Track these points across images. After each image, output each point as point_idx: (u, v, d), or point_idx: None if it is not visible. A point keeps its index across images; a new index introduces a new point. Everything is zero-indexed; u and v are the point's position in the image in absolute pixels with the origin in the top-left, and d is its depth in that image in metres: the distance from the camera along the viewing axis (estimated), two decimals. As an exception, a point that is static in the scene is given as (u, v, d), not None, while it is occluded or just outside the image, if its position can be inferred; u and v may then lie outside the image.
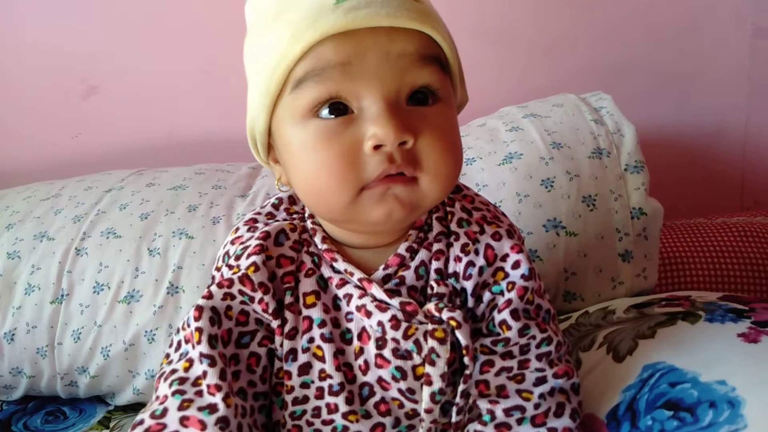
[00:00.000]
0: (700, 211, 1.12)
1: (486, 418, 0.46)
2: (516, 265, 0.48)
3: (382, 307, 0.46)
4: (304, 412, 0.47)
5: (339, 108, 0.42)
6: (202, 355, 0.42)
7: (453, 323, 0.44)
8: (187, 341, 0.44)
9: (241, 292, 0.46)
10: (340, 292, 0.47)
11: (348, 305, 0.47)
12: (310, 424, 0.47)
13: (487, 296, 0.48)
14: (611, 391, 0.53)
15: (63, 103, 1.16)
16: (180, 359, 0.44)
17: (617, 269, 0.75)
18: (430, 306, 0.45)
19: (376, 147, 0.41)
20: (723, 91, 1.17)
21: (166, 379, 0.43)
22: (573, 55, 1.14)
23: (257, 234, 0.48)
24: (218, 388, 0.41)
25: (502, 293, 0.48)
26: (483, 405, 0.47)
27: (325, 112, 0.42)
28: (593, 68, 1.14)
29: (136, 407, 0.81)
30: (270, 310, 0.46)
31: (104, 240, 0.83)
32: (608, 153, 0.78)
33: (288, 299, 0.47)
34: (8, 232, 0.87)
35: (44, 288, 0.80)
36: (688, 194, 1.15)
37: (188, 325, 0.44)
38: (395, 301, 0.45)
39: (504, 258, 0.48)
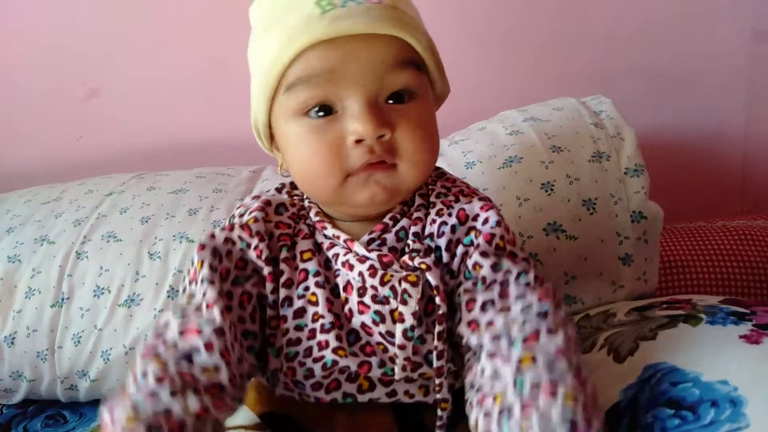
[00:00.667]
0: (700, 214, 1.12)
1: (477, 349, 0.47)
2: (485, 221, 0.51)
3: (362, 259, 0.51)
4: (297, 353, 0.51)
5: (325, 109, 0.48)
6: (203, 279, 0.49)
7: (423, 266, 0.49)
8: (191, 281, 0.50)
9: (240, 238, 0.51)
10: (330, 253, 0.53)
11: (336, 263, 0.52)
12: (302, 364, 0.50)
13: (460, 250, 0.51)
14: (612, 390, 0.53)
15: (64, 106, 1.17)
16: (184, 294, 0.50)
17: (618, 273, 0.75)
18: (405, 257, 0.50)
19: (358, 141, 0.47)
20: (723, 95, 1.18)
21: (171, 311, 0.48)
22: (573, 58, 1.15)
23: (260, 200, 0.55)
24: (216, 302, 0.47)
25: (472, 243, 0.51)
26: (473, 340, 0.47)
27: (313, 112, 0.48)
28: (593, 72, 1.15)
29: (136, 411, 0.81)
30: (263, 257, 0.51)
31: (105, 244, 0.83)
32: (608, 156, 0.78)
33: (284, 254, 0.52)
34: (9, 235, 0.87)
35: (45, 292, 0.80)
36: (689, 197, 1.15)
37: (192, 263, 0.50)
38: (373, 255, 0.50)
39: (475, 218, 0.52)
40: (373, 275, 0.50)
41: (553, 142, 0.80)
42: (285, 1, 0.49)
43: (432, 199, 0.55)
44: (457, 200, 0.54)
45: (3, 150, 1.19)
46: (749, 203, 1.22)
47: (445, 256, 0.51)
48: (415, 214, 0.54)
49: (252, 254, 0.51)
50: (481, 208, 0.52)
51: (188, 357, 0.44)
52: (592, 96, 0.90)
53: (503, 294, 0.48)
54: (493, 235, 0.50)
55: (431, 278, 0.49)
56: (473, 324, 0.47)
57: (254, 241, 0.51)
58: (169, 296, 0.78)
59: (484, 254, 0.49)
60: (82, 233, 0.85)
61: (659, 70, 1.16)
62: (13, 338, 0.79)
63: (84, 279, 0.81)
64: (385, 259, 0.50)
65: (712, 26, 1.14)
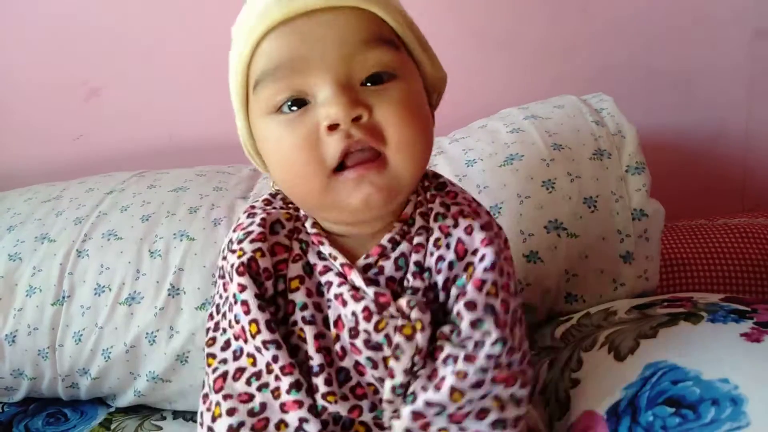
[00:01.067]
0: (701, 212, 1.12)
1: (408, 399, 0.45)
2: (482, 258, 0.47)
3: (357, 296, 0.47)
4: None
5: (298, 102, 0.44)
6: (265, 342, 0.46)
7: (419, 325, 0.45)
8: (237, 338, 0.48)
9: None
10: (323, 279, 0.49)
11: (328, 292, 0.49)
12: None
13: (453, 291, 0.47)
14: (612, 388, 0.53)
15: (64, 105, 1.17)
16: (236, 357, 0.48)
17: (618, 271, 0.75)
18: (402, 302, 0.46)
19: (332, 127, 0.43)
20: (724, 92, 1.17)
21: (236, 379, 0.47)
22: (573, 56, 1.14)
23: (257, 220, 0.50)
24: (292, 366, 0.46)
25: (463, 287, 0.47)
26: (415, 386, 0.46)
27: (286, 107, 0.44)
28: (594, 70, 1.14)
29: (137, 409, 0.81)
30: (267, 296, 0.48)
31: (105, 242, 0.83)
32: (609, 154, 0.78)
33: (281, 286, 0.49)
34: (9, 233, 0.87)
35: (45, 290, 0.81)
36: (690, 195, 1.15)
37: (237, 322, 0.47)
38: (370, 291, 0.47)
39: (474, 252, 0.47)
40: (367, 319, 0.46)
41: (554, 139, 0.80)
42: (250, 2, 0.46)
43: (430, 222, 0.50)
44: (455, 224, 0.49)
45: (3, 148, 1.19)
46: (750, 201, 1.22)
47: (442, 296, 0.48)
48: (416, 239, 0.49)
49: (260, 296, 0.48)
50: (482, 242, 0.47)
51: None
52: (593, 94, 0.90)
53: (469, 358, 0.44)
54: (483, 282, 0.46)
55: (419, 339, 0.45)
56: (433, 373, 0.45)
57: (261, 279, 0.48)
58: (169, 294, 0.78)
59: (469, 305, 0.45)
60: (83, 231, 0.85)
61: (660, 67, 1.16)
62: (14, 336, 0.79)
63: (85, 277, 0.81)
64: (381, 300, 0.46)
65: (713, 24, 1.14)
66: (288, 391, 0.45)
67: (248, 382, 0.46)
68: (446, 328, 0.46)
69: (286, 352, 0.46)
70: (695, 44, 1.15)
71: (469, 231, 0.48)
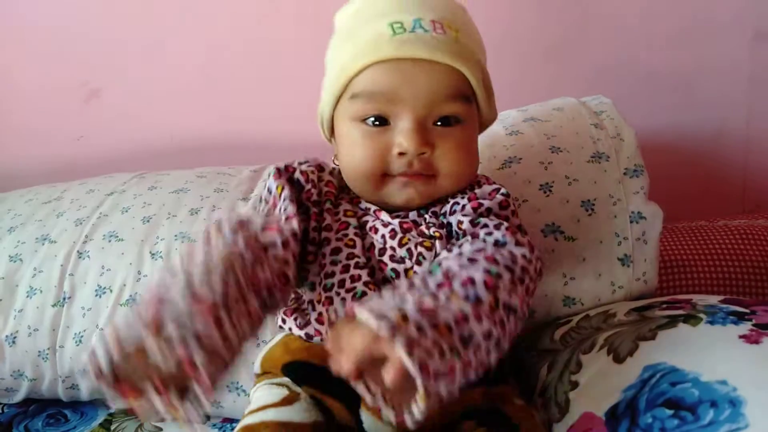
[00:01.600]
0: (701, 213, 1.12)
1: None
2: (490, 195, 0.58)
3: (386, 224, 0.58)
4: (333, 284, 0.56)
5: (381, 119, 0.55)
6: (284, 197, 0.56)
7: (437, 234, 0.56)
8: (270, 205, 0.58)
9: (298, 181, 0.59)
10: (363, 219, 0.59)
11: (366, 228, 0.59)
12: (337, 294, 0.55)
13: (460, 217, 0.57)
14: (611, 390, 0.53)
15: (65, 106, 1.17)
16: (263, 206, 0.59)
17: (617, 273, 0.75)
18: (422, 226, 0.57)
19: (401, 153, 0.55)
20: (724, 94, 1.18)
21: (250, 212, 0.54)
22: (573, 58, 1.15)
23: (314, 162, 0.61)
24: (295, 216, 0.54)
25: (462, 207, 0.57)
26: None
27: (370, 120, 0.55)
28: (593, 72, 1.15)
29: (137, 410, 0.81)
30: (311, 200, 0.58)
31: (106, 243, 0.83)
32: (608, 157, 0.78)
33: (327, 205, 0.59)
34: (10, 235, 0.87)
35: (46, 291, 0.81)
36: (690, 197, 1.15)
37: (268, 190, 0.58)
38: (396, 221, 0.58)
39: (483, 196, 0.58)
40: (392, 237, 0.56)
41: (553, 142, 0.80)
42: (365, 15, 0.57)
43: (457, 197, 0.59)
44: (474, 188, 0.59)
45: (4, 149, 1.19)
46: (750, 203, 1.22)
47: (454, 222, 0.57)
48: (437, 202, 0.60)
49: (304, 196, 0.58)
50: (491, 192, 0.58)
51: (264, 249, 0.48)
52: (593, 96, 0.90)
53: (474, 235, 0.53)
54: (480, 204, 0.57)
55: (438, 246, 0.55)
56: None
57: (308, 186, 0.58)
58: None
59: (466, 214, 0.56)
60: (84, 232, 0.85)
61: (659, 69, 1.16)
62: (15, 337, 0.79)
63: (85, 278, 0.81)
64: (405, 225, 0.57)
65: (713, 26, 1.14)
66: (278, 225, 0.52)
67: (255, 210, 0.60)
68: (452, 241, 0.56)
69: (296, 209, 0.55)
70: (695, 45, 1.15)
71: (480, 185, 0.60)
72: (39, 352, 0.79)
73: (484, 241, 0.52)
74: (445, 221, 0.58)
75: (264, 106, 1.13)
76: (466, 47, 0.56)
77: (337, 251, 0.57)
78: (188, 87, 1.16)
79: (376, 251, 0.57)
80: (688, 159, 1.20)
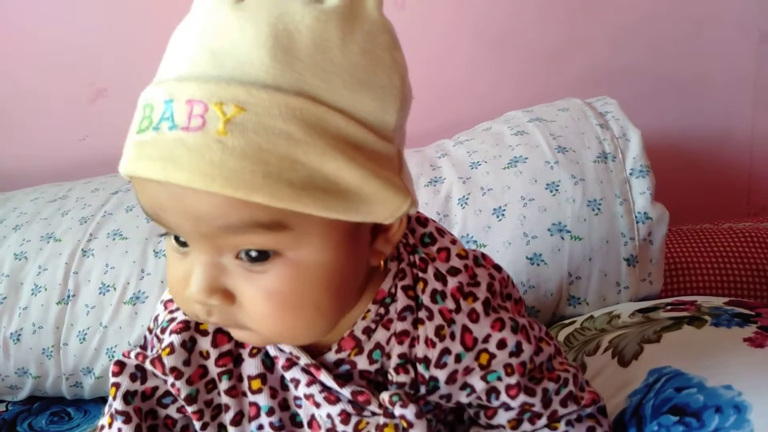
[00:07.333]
0: (706, 216, 1.12)
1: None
2: (502, 345, 0.42)
3: (331, 398, 0.41)
4: None
5: (178, 239, 0.36)
6: (116, 411, 0.43)
7: (404, 423, 0.40)
8: (109, 395, 0.45)
9: (153, 374, 0.44)
10: (288, 375, 0.42)
11: (296, 389, 0.42)
12: None
13: (480, 386, 0.42)
14: (617, 395, 0.53)
15: (71, 106, 1.17)
16: (107, 412, 0.45)
17: (622, 274, 0.74)
18: (385, 396, 0.40)
19: None
20: (729, 96, 1.17)
21: None
22: (578, 59, 1.14)
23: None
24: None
25: (500, 378, 0.42)
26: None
27: (173, 234, 0.36)
28: (598, 73, 1.14)
29: (140, 408, 0.81)
30: (183, 396, 0.42)
31: (110, 241, 0.83)
32: (614, 157, 0.78)
33: (225, 384, 0.43)
34: (15, 233, 0.87)
35: (50, 289, 0.81)
36: (695, 199, 1.15)
37: (109, 379, 0.45)
38: (346, 391, 0.40)
39: (486, 339, 0.42)
40: (345, 422, 0.41)
41: (559, 142, 0.80)
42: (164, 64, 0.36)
43: (426, 301, 0.41)
44: (457, 308, 0.41)
45: (10, 149, 1.19)
46: (756, 205, 1.21)
47: (445, 388, 0.42)
48: (399, 326, 0.41)
49: (172, 389, 0.43)
50: (492, 327, 0.42)
51: None
52: (598, 97, 0.90)
53: (552, 417, 0.45)
54: (524, 365, 0.42)
55: None
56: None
57: (169, 379, 0.42)
58: (173, 294, 0.78)
59: (528, 391, 0.43)
60: (88, 231, 0.85)
61: (665, 71, 1.15)
62: (19, 335, 0.80)
63: (90, 276, 0.81)
64: (360, 399, 0.40)
65: (718, 28, 1.13)
66: None
67: None
68: (512, 415, 0.44)
69: (134, 429, 0.43)
70: (701, 48, 1.14)
71: (474, 317, 0.41)
72: (43, 349, 0.80)
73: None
74: (426, 374, 0.41)
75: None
76: (258, 147, 0.30)
77: None
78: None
79: (323, 431, 0.42)
80: (693, 162, 1.20)
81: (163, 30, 0.37)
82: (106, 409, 0.45)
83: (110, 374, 0.44)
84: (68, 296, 0.80)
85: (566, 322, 0.72)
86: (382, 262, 0.40)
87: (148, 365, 0.43)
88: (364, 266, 0.38)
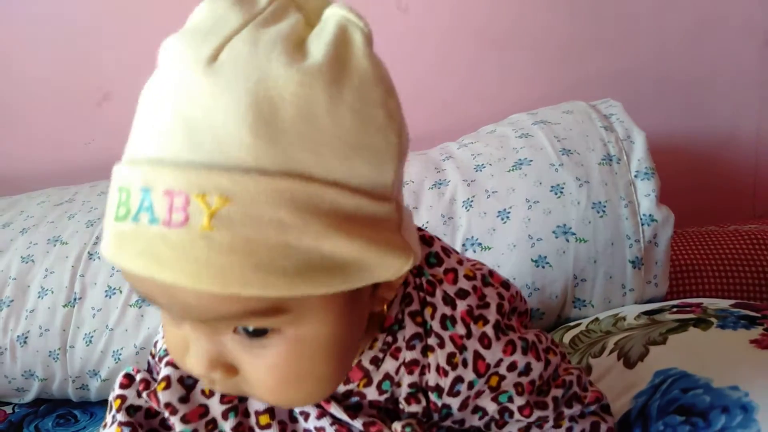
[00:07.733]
0: (711, 218, 1.12)
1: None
2: (512, 367, 0.42)
3: (343, 431, 0.40)
4: None
5: None
6: (120, 423, 0.42)
7: None
8: (110, 408, 0.44)
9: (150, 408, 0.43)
10: (297, 408, 0.41)
11: (306, 422, 0.41)
12: None
13: (492, 407, 0.42)
14: (622, 397, 0.53)
15: (77, 110, 1.18)
16: (111, 423, 0.44)
17: (627, 276, 0.74)
18: (397, 427, 0.40)
19: None
20: (734, 98, 1.17)
21: None
22: (582, 61, 1.14)
23: None
24: None
25: (511, 399, 0.42)
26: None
27: None
28: (602, 75, 1.14)
29: (146, 411, 0.82)
30: None
31: (116, 244, 0.83)
32: (618, 159, 0.78)
33: (232, 422, 0.41)
34: (22, 236, 0.88)
35: (57, 291, 0.81)
36: (700, 201, 1.14)
37: (113, 390, 0.44)
38: (358, 423, 0.40)
39: (498, 363, 0.41)
40: None
41: (563, 144, 0.80)
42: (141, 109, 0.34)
43: (436, 327, 0.40)
44: (468, 333, 0.40)
45: (16, 152, 1.20)
46: (761, 207, 1.21)
47: (458, 414, 0.42)
48: (408, 355, 0.40)
49: (168, 422, 0.42)
50: (504, 351, 0.41)
51: None
52: (602, 99, 0.90)
53: (558, 418, 0.45)
54: (533, 383, 0.42)
55: None
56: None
57: (165, 413, 0.41)
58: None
59: (539, 405, 0.43)
60: (95, 234, 0.85)
61: (670, 73, 1.15)
62: (26, 337, 0.80)
63: (96, 279, 0.81)
64: (372, 430, 0.39)
65: (723, 30, 1.13)
66: None
67: None
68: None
69: None
70: (706, 50, 1.14)
71: (486, 343, 0.40)
72: (50, 352, 0.80)
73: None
74: (438, 402, 0.41)
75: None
76: (243, 237, 0.28)
77: None
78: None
79: None
80: (698, 164, 1.19)
81: (169, 34, 0.37)
82: (109, 419, 0.45)
83: (117, 384, 0.44)
84: (75, 299, 0.81)
85: (571, 324, 0.72)
86: (385, 307, 0.39)
87: (144, 398, 0.43)
88: (366, 320, 0.37)
